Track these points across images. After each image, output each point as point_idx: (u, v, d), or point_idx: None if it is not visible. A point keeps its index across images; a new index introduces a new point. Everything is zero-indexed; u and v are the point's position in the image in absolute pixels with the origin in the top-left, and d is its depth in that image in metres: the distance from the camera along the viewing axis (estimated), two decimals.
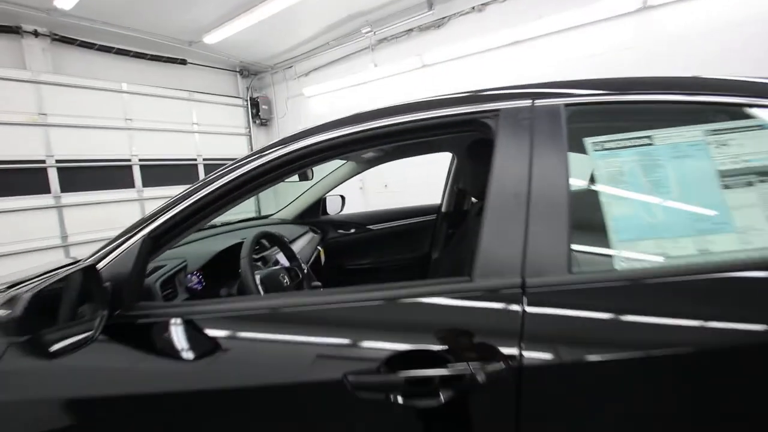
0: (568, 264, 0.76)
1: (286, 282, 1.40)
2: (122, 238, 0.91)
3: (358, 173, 2.46)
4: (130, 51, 5.86)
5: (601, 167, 0.85)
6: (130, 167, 6.08)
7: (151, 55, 6.08)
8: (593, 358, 0.71)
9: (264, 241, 1.65)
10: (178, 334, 0.85)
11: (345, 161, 2.41)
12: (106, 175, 5.79)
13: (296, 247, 2.15)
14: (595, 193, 0.84)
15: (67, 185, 5.34)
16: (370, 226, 2.68)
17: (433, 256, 2.60)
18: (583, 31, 4.07)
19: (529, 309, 0.74)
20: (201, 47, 5.88)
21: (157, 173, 6.38)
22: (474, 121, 0.93)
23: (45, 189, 5.16)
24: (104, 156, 5.74)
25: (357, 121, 0.97)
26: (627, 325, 0.74)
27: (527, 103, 0.90)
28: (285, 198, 2.74)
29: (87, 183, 5.50)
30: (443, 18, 4.98)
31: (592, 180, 0.87)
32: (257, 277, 1.28)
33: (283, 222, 2.52)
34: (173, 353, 0.84)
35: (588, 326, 0.75)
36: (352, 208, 2.86)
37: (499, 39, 4.54)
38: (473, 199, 2.17)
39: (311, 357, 0.78)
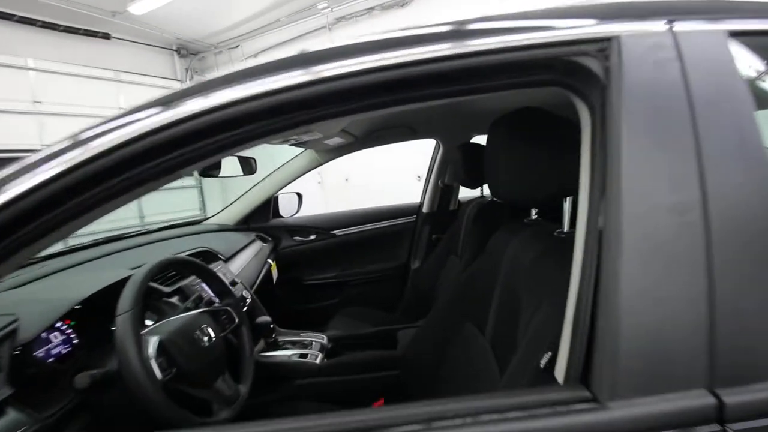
0: None
1: (208, 339, 0.89)
2: None
3: (319, 165, 1.96)
4: (38, 20, 4.86)
5: None
6: None
7: (65, 27, 5.10)
8: None
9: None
10: None
11: (302, 149, 1.89)
12: None
13: (237, 264, 1.62)
14: None
15: None
16: (335, 231, 2.18)
17: (413, 266, 2.16)
18: None
19: None
20: (127, 19, 5.01)
21: None
22: (556, 63, 0.47)
23: None
24: (6, 146, 4.74)
25: (329, 57, 0.48)
26: None
27: (661, 25, 0.46)
28: (235, 193, 2.17)
29: None
30: None
31: None
32: (152, 344, 0.76)
33: (223, 228, 1.96)
34: None
35: None
36: (310, 209, 2.35)
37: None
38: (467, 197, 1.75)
39: None
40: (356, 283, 2.16)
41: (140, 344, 0.73)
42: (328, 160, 1.92)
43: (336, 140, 1.62)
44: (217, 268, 1.41)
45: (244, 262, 1.69)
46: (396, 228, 2.21)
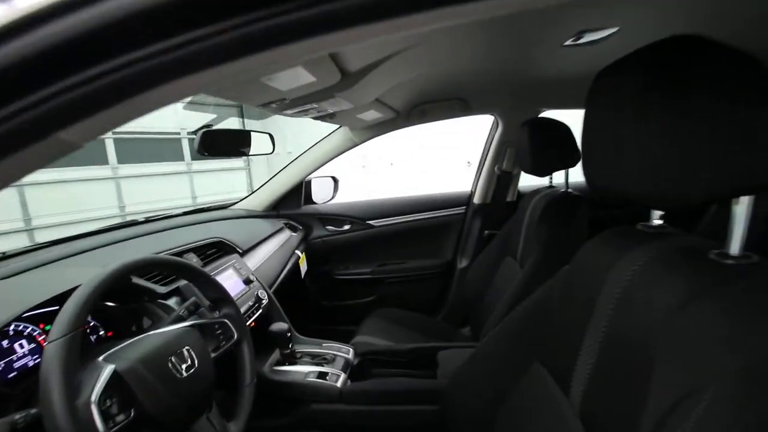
0: None
1: (189, 366, 0.68)
2: None
3: (355, 145, 1.70)
4: None
5: None
6: (102, 140, 5.37)
7: None
8: None
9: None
10: None
11: (338, 126, 1.64)
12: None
13: (258, 257, 1.42)
14: None
15: None
16: (372, 222, 1.93)
17: (459, 265, 1.86)
18: None
19: None
20: None
21: (135, 148, 5.68)
22: None
23: None
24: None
25: None
26: None
27: None
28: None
29: None
30: None
31: None
32: (103, 378, 0.56)
33: (250, 215, 1.78)
34: None
35: None
36: (348, 195, 2.11)
37: None
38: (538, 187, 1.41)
39: None
40: (393, 280, 1.91)
41: (71, 384, 0.52)
42: (366, 140, 1.66)
43: (372, 114, 1.35)
44: (230, 262, 1.22)
45: (267, 254, 1.49)
46: (441, 220, 1.91)
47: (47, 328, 0.80)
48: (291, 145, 5.13)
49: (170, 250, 1.07)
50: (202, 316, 0.86)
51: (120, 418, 0.59)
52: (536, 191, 1.41)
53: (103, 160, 5.31)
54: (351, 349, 1.25)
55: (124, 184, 5.42)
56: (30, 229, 4.68)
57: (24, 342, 0.76)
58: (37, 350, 0.77)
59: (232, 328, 0.85)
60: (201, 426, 0.70)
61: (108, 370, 0.59)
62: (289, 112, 1.01)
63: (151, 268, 0.72)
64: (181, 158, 6.18)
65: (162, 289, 0.95)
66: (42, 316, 0.76)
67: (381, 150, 5.47)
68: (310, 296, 1.96)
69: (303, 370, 1.12)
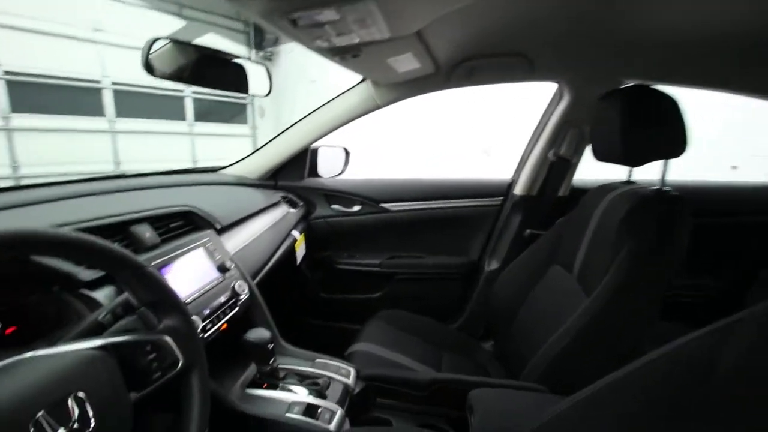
0: None
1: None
2: None
3: (376, 108, 1.36)
4: None
5: None
6: (99, 91, 5.00)
7: None
8: None
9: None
10: None
11: (362, 78, 1.30)
12: (69, 97, 4.74)
13: (241, 236, 1.11)
14: None
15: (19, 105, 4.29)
16: (386, 205, 1.61)
17: (487, 267, 1.55)
18: None
19: None
20: None
21: (135, 102, 5.31)
22: None
23: None
24: (65, 73, 4.63)
25: None
26: None
27: None
28: None
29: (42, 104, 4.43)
30: None
31: None
32: None
33: (240, 182, 1.46)
34: None
35: None
36: (366, 172, 1.78)
37: None
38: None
39: None
40: (406, 277, 1.60)
41: None
42: (390, 102, 1.32)
43: (407, 61, 1.01)
44: (201, 241, 0.91)
45: (254, 233, 1.18)
46: (470, 211, 1.59)
47: None
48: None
49: (110, 217, 0.75)
50: (135, 327, 0.55)
51: None
52: (605, 187, 1.08)
53: (97, 111, 4.94)
54: (352, 371, 0.94)
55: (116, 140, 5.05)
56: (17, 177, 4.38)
57: None
58: None
59: (176, 350, 0.54)
60: None
61: None
62: (303, 27, 0.68)
63: (22, 246, 0.40)
64: (182, 118, 5.82)
65: (86, 275, 0.64)
66: None
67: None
68: (308, 285, 1.66)
69: (286, 397, 0.82)
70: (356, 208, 1.63)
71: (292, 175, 1.59)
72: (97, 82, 4.96)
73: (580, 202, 1.14)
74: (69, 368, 0.42)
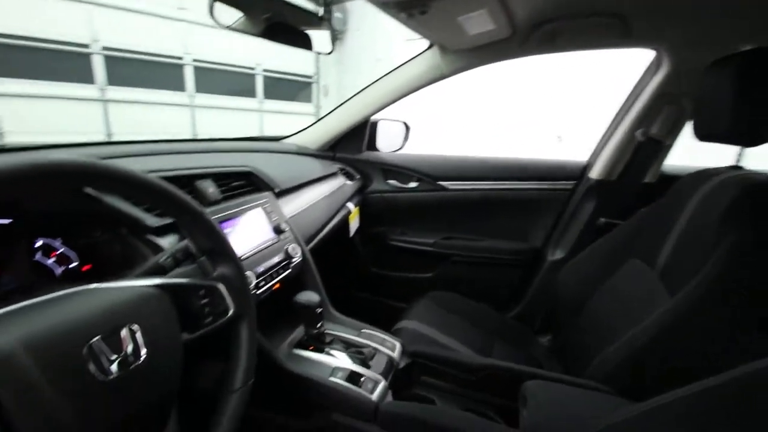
0: None
1: (119, 365, 0.38)
2: None
3: (442, 78, 1.28)
4: None
5: None
6: (181, 67, 5.39)
7: None
8: None
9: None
10: None
11: (428, 46, 1.23)
12: (154, 72, 5.15)
13: (298, 201, 1.12)
14: None
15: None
16: (444, 183, 1.55)
17: (550, 256, 1.43)
18: None
19: None
20: None
21: (212, 79, 5.66)
22: None
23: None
24: (149, 49, 5.01)
25: None
26: None
27: None
28: None
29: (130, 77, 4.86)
30: None
31: None
32: None
33: (300, 152, 1.48)
34: None
35: None
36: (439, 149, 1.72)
37: None
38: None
39: None
40: (460, 260, 1.54)
41: None
42: (458, 70, 1.23)
43: (480, 22, 0.92)
44: (260, 201, 0.92)
45: (311, 200, 1.19)
46: (536, 194, 1.47)
47: None
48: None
49: (178, 170, 0.78)
50: (193, 275, 0.57)
51: None
52: (705, 172, 0.92)
53: (178, 86, 5.32)
54: (398, 345, 0.92)
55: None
56: None
57: None
58: None
59: (227, 299, 0.55)
60: None
61: None
62: None
63: (86, 178, 0.41)
64: (252, 95, 6.08)
65: (152, 221, 0.67)
66: None
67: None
68: (359, 259, 1.66)
69: (330, 362, 0.82)
70: (413, 184, 1.58)
71: (351, 147, 1.58)
72: (179, 58, 5.34)
73: (671, 189, 0.99)
74: (126, 301, 0.43)
